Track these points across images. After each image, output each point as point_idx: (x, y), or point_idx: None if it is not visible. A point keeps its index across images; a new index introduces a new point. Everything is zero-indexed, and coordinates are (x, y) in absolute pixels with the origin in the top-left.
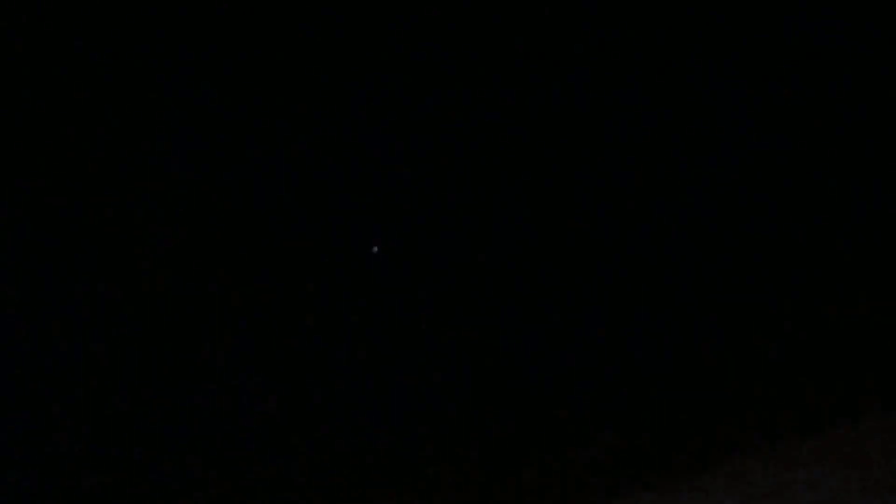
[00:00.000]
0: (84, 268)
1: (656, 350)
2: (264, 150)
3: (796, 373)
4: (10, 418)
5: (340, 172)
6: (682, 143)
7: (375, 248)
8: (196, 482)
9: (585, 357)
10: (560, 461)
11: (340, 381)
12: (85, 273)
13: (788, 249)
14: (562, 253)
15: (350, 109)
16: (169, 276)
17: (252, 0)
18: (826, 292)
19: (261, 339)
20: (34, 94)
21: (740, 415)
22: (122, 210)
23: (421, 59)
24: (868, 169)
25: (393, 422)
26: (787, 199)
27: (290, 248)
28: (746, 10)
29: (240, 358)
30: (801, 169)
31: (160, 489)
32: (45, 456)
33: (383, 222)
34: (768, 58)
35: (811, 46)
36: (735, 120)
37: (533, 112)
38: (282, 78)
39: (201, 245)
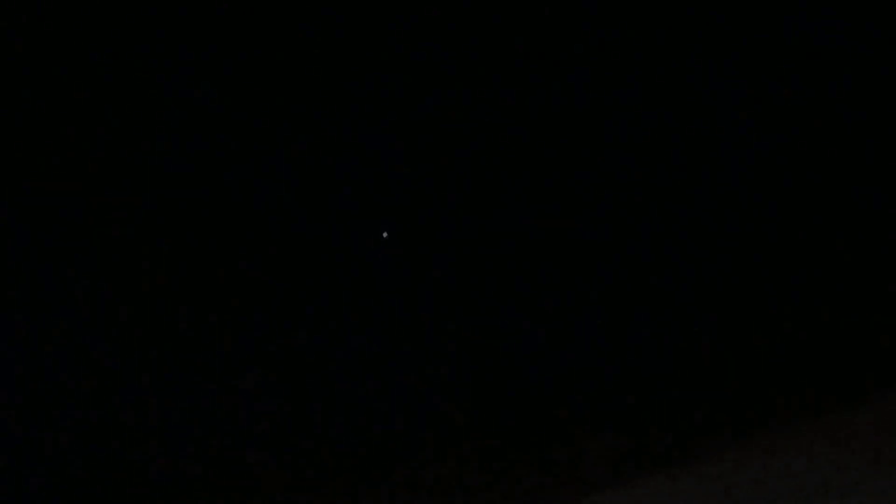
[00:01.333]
0: (84, 267)
1: (654, 347)
2: (263, 148)
3: (791, 367)
4: (10, 418)
5: (340, 171)
6: (682, 142)
7: (385, 234)
8: (196, 482)
9: (585, 357)
10: (559, 459)
11: (340, 381)
12: (85, 272)
13: (784, 248)
14: (562, 252)
15: (349, 107)
16: (167, 275)
17: (252, 0)
18: (823, 291)
19: (259, 337)
20: (34, 94)
21: (737, 408)
22: (122, 209)
23: (422, 59)
24: (868, 169)
25: (393, 422)
26: (786, 199)
27: (288, 246)
28: (746, 10)
29: (238, 357)
30: (800, 169)
31: (160, 489)
32: (44, 456)
33: (383, 220)
34: (768, 58)
35: (811, 46)
36: (735, 120)
37: (534, 111)
38: (282, 76)
39: (200, 243)
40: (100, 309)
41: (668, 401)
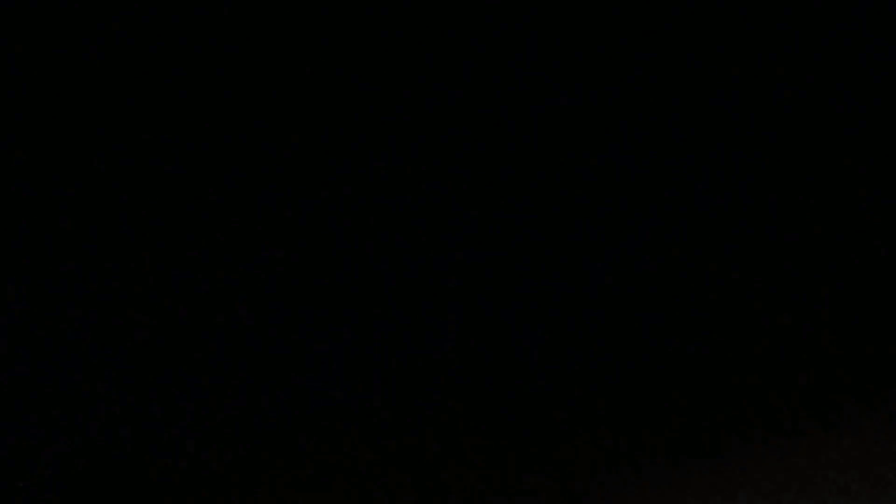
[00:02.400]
0: (83, 266)
1: (654, 346)
2: (262, 147)
3: (791, 367)
4: (9, 418)
5: (339, 169)
6: (681, 141)
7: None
8: (195, 482)
9: (585, 357)
10: (559, 459)
11: (339, 381)
12: (83, 272)
13: (784, 247)
14: (562, 252)
15: (348, 106)
16: (167, 273)
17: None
18: (823, 290)
19: (258, 336)
20: (34, 93)
21: (737, 408)
22: (121, 208)
23: (422, 59)
24: (868, 169)
25: (393, 422)
26: (787, 198)
27: (287, 244)
28: (746, 10)
29: (238, 356)
30: (800, 168)
31: (160, 489)
32: (43, 456)
33: (381, 219)
34: (768, 57)
35: (811, 46)
36: (735, 119)
37: (534, 110)
38: (282, 76)
39: (199, 242)
40: (99, 308)
41: (668, 400)
